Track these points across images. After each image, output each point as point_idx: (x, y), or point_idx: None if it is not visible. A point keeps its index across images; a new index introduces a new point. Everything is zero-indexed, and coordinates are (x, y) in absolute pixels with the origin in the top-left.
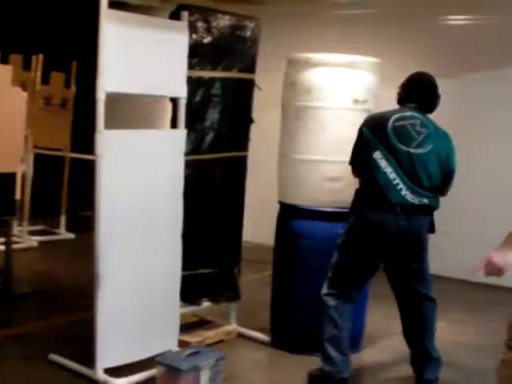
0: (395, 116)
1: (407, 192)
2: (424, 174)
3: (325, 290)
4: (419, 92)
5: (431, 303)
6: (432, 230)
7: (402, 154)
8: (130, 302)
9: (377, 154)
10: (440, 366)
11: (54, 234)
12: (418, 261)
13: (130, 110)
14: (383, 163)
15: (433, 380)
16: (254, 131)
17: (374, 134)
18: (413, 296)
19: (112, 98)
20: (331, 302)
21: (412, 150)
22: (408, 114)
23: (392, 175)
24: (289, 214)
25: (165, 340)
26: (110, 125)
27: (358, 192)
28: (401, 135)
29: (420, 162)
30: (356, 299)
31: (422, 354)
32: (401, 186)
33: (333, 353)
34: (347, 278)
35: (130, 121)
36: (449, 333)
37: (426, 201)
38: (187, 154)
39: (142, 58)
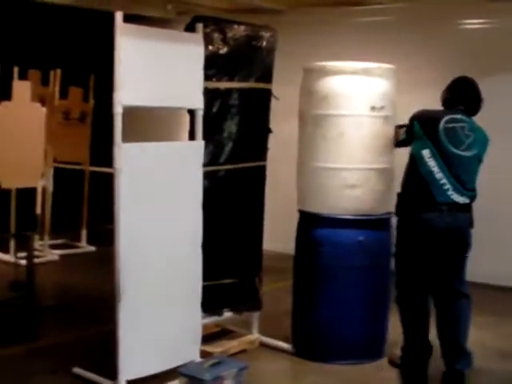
0: (446, 117)
1: (453, 192)
2: (468, 175)
3: (395, 293)
4: (466, 95)
5: (467, 300)
6: (471, 224)
7: (451, 155)
8: (151, 314)
9: (425, 152)
10: (472, 362)
11: (75, 247)
12: (461, 258)
13: (154, 122)
14: (431, 162)
15: (464, 371)
16: (273, 140)
17: (424, 130)
18: (450, 293)
19: (133, 110)
20: (403, 306)
21: (460, 153)
22: (458, 116)
23: (439, 175)
24: (309, 222)
25: (187, 351)
26: (132, 137)
27: (401, 195)
28: (451, 137)
29: (466, 164)
30: (421, 295)
31: (455, 350)
32: (447, 186)
33: (413, 349)
34: (410, 282)
35: (152, 132)
36: (472, 337)
37: (467, 200)
38: (206, 165)
39: (157, 71)
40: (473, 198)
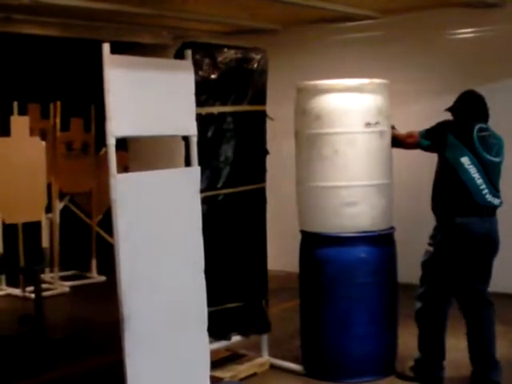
0: (477, 126)
1: (490, 195)
2: (497, 178)
3: (418, 304)
4: (481, 106)
5: (492, 307)
6: None
7: (487, 162)
8: (158, 342)
9: (465, 160)
10: (501, 372)
11: (86, 277)
12: (491, 263)
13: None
14: (472, 169)
15: (499, 382)
16: (274, 160)
17: (459, 139)
18: (480, 300)
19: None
20: (425, 319)
21: (493, 159)
22: (484, 125)
23: (479, 181)
24: (311, 241)
25: (196, 377)
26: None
27: (439, 200)
28: (485, 145)
29: (497, 169)
30: (448, 306)
31: (488, 358)
32: (486, 190)
33: (433, 362)
34: (439, 291)
35: (166, 157)
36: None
37: (499, 202)
38: (204, 190)
39: (148, 100)
40: (501, 199)
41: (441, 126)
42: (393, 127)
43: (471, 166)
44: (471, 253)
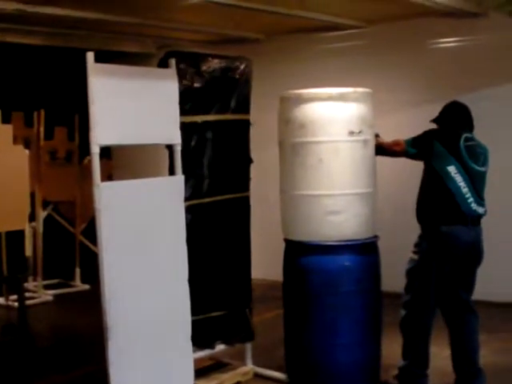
0: (464, 136)
1: (475, 204)
2: (483, 187)
3: (403, 312)
4: (466, 116)
5: (476, 315)
6: None
7: (473, 171)
8: (142, 351)
9: (451, 169)
10: (486, 380)
11: (70, 286)
12: (475, 272)
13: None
14: (458, 178)
15: None
16: (258, 169)
17: (446, 148)
18: (463, 308)
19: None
20: (410, 327)
21: (479, 168)
22: (469, 135)
23: (465, 190)
24: (295, 250)
25: None
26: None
27: (425, 209)
28: (471, 154)
29: (482, 179)
30: (433, 314)
31: (472, 367)
32: (471, 199)
33: (417, 370)
34: (424, 299)
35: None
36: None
37: (484, 211)
38: (188, 199)
39: (132, 109)
40: (485, 207)
41: (428, 135)
42: (377, 135)
43: (457, 175)
44: (456, 261)
